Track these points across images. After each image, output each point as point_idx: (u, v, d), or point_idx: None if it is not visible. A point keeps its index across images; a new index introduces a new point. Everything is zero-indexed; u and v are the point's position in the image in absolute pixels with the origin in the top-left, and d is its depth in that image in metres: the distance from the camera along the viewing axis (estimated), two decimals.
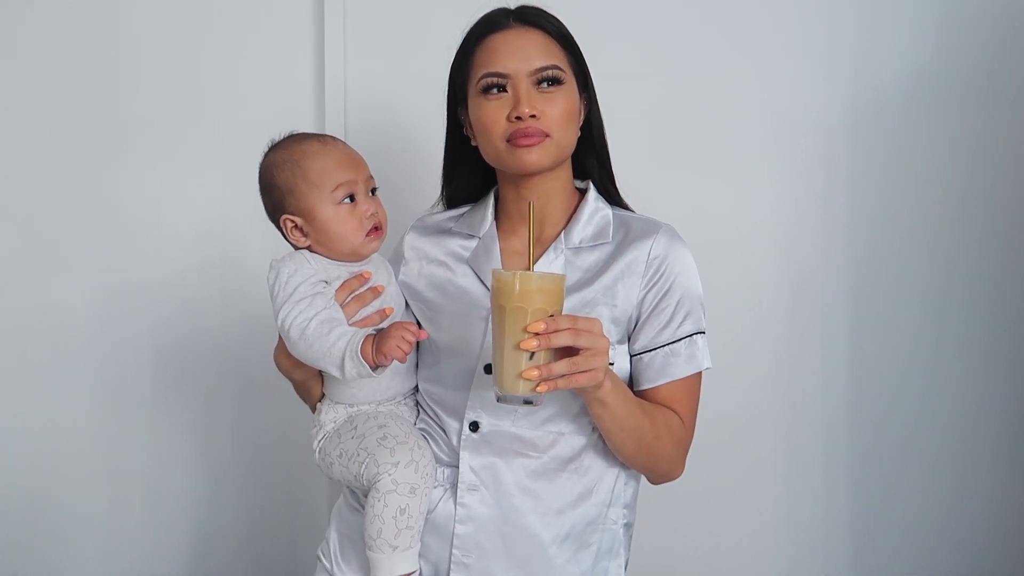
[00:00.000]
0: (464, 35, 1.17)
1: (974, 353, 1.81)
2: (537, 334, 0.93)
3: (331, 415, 1.16)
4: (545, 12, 1.15)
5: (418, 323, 1.20)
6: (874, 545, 1.83)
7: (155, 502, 1.85)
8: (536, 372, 0.94)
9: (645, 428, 1.08)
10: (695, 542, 1.82)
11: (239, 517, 1.87)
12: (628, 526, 1.19)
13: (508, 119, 1.09)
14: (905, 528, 1.82)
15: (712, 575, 1.83)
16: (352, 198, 1.11)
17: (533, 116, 1.08)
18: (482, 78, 1.11)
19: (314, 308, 1.06)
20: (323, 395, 1.19)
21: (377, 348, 1.01)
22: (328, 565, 1.18)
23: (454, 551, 1.09)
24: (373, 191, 1.15)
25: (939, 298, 1.81)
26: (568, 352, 0.95)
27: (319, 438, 1.16)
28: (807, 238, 1.82)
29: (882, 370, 1.82)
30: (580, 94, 1.16)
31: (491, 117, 1.10)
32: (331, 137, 1.16)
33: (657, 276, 1.13)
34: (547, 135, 1.10)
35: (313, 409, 1.22)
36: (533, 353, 0.94)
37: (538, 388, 0.94)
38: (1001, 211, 1.80)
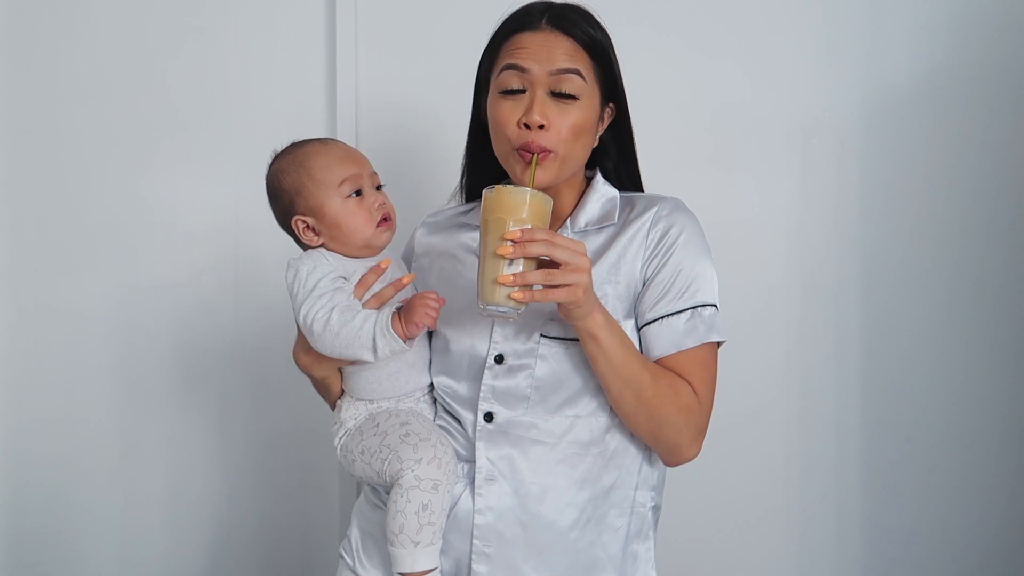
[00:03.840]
0: (498, 24, 1.15)
1: (984, 348, 1.80)
2: (514, 242, 0.94)
3: (351, 412, 1.17)
4: (579, 19, 1.12)
5: None
6: (885, 539, 1.83)
7: (172, 499, 1.87)
8: (511, 278, 0.94)
9: (644, 382, 1.05)
10: (704, 534, 1.82)
11: (254, 513, 1.88)
12: (656, 508, 1.18)
13: (518, 125, 1.09)
14: (916, 521, 1.82)
15: (721, 568, 1.83)
16: (359, 192, 1.13)
17: (541, 127, 1.07)
18: (502, 71, 1.11)
19: (334, 301, 1.07)
20: (342, 392, 1.20)
21: (406, 319, 1.04)
22: (351, 562, 1.19)
23: (475, 542, 1.09)
24: (379, 188, 1.16)
25: (949, 295, 1.81)
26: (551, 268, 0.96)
27: (340, 435, 1.17)
28: (818, 237, 1.82)
29: (892, 367, 1.81)
30: (603, 106, 1.15)
31: (504, 117, 1.10)
32: (331, 139, 1.19)
33: (659, 246, 1.12)
34: (551, 151, 1.08)
35: (333, 406, 1.22)
36: (512, 263, 0.95)
37: (514, 295, 0.95)
38: (1011, 210, 1.79)
